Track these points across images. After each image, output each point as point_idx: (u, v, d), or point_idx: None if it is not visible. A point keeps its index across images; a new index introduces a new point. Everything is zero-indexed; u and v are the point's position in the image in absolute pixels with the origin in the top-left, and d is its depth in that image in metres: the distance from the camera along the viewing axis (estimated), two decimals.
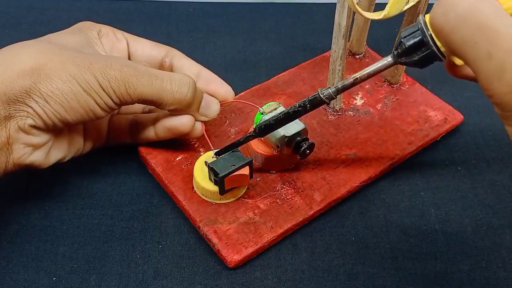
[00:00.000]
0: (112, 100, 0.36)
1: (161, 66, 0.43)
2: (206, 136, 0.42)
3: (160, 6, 0.59)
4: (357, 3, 0.37)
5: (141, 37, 0.43)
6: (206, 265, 0.38)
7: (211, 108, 0.41)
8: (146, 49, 0.43)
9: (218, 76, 0.42)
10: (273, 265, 0.38)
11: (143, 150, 0.43)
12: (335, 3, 0.40)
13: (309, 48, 0.54)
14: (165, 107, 0.38)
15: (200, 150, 0.43)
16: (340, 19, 0.40)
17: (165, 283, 0.37)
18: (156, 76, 0.37)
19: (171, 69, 0.43)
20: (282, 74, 0.50)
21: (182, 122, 0.40)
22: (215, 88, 0.43)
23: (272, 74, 0.50)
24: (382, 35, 0.54)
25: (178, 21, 0.58)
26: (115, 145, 0.43)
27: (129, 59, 0.42)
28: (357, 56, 0.52)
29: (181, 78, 0.38)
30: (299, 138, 0.40)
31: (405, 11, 0.41)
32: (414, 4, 0.41)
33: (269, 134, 0.40)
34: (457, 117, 0.47)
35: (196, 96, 0.39)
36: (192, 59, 0.53)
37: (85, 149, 0.40)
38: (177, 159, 0.43)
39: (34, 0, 0.59)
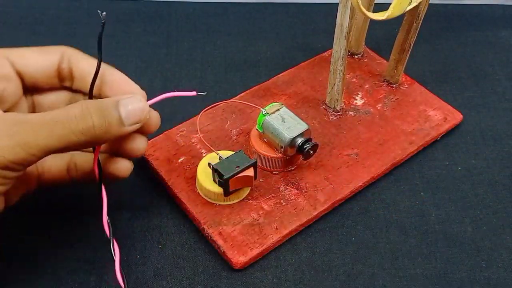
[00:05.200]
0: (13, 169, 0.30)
1: (59, 76, 0.36)
2: (204, 141, 0.42)
3: (160, 6, 0.59)
4: None
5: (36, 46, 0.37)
6: (206, 265, 0.38)
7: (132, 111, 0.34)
8: (35, 60, 0.35)
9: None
10: (273, 265, 0.38)
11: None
12: (335, 3, 0.40)
13: (308, 48, 0.54)
14: (88, 146, 0.34)
15: (202, 151, 0.43)
16: (342, 20, 0.40)
17: (165, 283, 0.37)
18: (53, 120, 0.31)
19: (70, 75, 0.36)
20: (281, 74, 0.50)
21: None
22: (123, 92, 0.36)
23: (272, 74, 0.50)
24: (380, 35, 0.54)
25: (178, 21, 0.58)
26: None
27: (21, 80, 0.35)
28: (356, 56, 0.52)
29: (78, 110, 0.31)
30: (302, 138, 0.40)
31: (406, 11, 0.41)
32: (415, 5, 0.41)
33: (272, 135, 0.40)
34: (457, 117, 0.47)
35: (109, 117, 0.32)
36: (192, 59, 0.54)
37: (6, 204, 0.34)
38: (179, 160, 0.43)
39: (34, 0, 0.59)
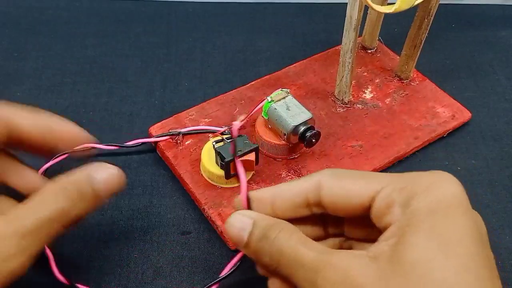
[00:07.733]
0: None
1: None
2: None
3: (160, 6, 0.59)
4: None
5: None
6: (206, 266, 0.38)
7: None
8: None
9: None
10: None
11: (153, 132, 0.44)
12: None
13: (308, 48, 0.54)
14: None
15: (209, 135, 0.44)
16: (352, 12, 0.40)
17: (164, 283, 0.37)
18: (51, 220, 0.30)
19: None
20: (293, 65, 0.51)
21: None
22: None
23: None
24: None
25: (178, 21, 0.58)
26: None
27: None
28: (369, 51, 0.52)
29: (66, 202, 0.31)
30: (305, 127, 0.41)
31: (417, 5, 0.41)
32: None
33: (276, 122, 0.41)
34: (465, 115, 0.47)
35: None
36: (192, 59, 0.54)
37: None
38: (186, 143, 0.43)
39: (34, 0, 0.59)
